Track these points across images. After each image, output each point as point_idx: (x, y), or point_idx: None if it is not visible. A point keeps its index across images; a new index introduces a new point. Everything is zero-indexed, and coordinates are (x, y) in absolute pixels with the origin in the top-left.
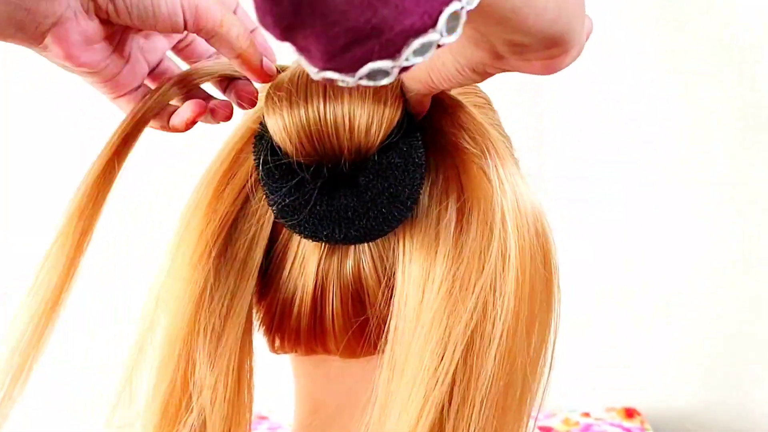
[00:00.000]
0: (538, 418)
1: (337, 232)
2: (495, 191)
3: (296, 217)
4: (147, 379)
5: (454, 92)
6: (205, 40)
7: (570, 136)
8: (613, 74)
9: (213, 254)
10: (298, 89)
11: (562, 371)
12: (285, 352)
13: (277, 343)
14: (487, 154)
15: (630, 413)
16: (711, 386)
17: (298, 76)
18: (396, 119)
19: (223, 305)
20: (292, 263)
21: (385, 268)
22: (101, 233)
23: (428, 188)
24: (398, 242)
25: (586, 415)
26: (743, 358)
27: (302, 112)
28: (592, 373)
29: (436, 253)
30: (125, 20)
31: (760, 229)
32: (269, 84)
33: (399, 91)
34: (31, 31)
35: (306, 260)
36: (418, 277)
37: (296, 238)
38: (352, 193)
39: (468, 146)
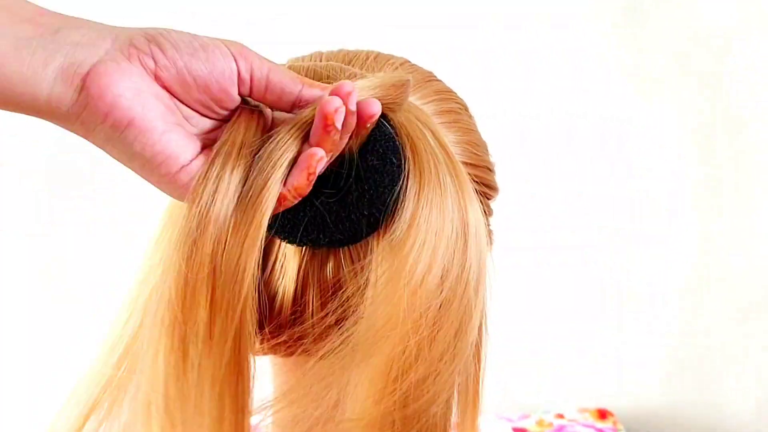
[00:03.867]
0: (512, 419)
1: (321, 237)
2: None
3: (281, 224)
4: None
5: (428, 98)
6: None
7: (527, 140)
8: (572, 79)
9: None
10: None
11: (535, 373)
12: (265, 354)
13: (257, 344)
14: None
15: (603, 414)
16: (682, 386)
17: None
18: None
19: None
20: (273, 266)
21: (364, 268)
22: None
23: (404, 187)
24: (375, 241)
25: (560, 416)
26: (712, 358)
27: None
28: (566, 374)
29: (408, 249)
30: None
31: (725, 232)
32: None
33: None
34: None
35: (287, 262)
36: (391, 275)
37: (276, 240)
38: (335, 197)
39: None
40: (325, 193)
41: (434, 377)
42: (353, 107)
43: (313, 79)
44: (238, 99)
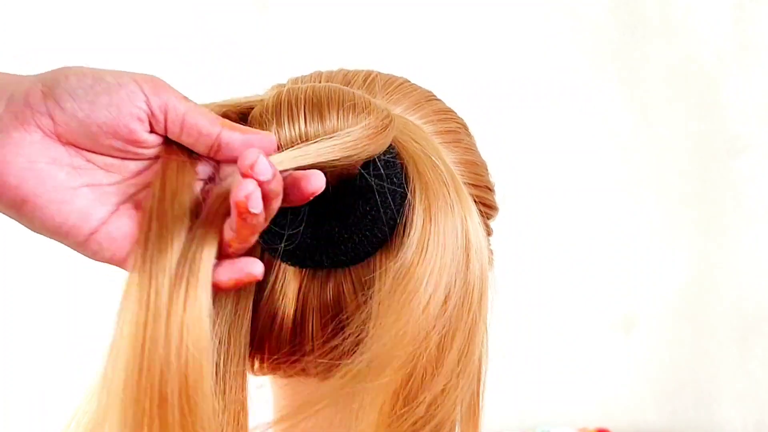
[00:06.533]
0: None
1: (324, 259)
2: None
3: (284, 245)
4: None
5: (428, 117)
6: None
7: (523, 160)
8: (570, 100)
9: None
10: (279, 117)
11: (534, 392)
12: (264, 374)
13: (257, 365)
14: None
15: None
16: (680, 406)
17: (274, 105)
18: None
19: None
20: (273, 286)
21: (364, 288)
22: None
23: (410, 207)
24: (381, 261)
25: None
26: (711, 378)
27: (284, 139)
28: (563, 393)
29: (416, 271)
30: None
31: (724, 250)
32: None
33: (380, 113)
34: None
35: (287, 283)
36: (399, 296)
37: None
38: (337, 217)
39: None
40: (326, 214)
41: (443, 397)
42: (274, 185)
43: (312, 101)
44: (153, 139)
